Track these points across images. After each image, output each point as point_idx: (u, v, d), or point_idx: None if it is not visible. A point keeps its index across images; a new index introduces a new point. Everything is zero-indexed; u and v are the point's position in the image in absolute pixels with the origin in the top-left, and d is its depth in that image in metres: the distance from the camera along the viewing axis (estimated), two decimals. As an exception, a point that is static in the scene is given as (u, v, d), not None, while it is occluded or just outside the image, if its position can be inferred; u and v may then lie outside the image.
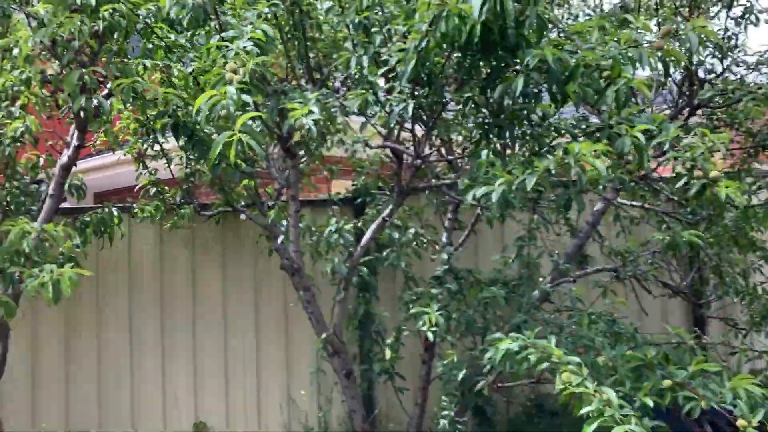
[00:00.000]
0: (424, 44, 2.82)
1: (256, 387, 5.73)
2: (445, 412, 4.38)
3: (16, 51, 3.95)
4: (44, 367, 5.43)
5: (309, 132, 2.79)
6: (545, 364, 2.84)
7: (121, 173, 7.75)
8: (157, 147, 5.09)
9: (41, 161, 4.40)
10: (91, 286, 5.38)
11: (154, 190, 5.28)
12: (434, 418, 5.58)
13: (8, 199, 4.47)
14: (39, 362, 5.41)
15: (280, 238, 4.48)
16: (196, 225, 5.58)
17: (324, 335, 4.29)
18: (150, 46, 4.09)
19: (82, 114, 3.81)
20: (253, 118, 2.98)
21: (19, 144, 4.31)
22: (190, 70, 3.67)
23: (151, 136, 5.01)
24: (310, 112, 2.82)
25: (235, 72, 2.74)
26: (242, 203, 5.30)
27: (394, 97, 3.16)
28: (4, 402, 5.09)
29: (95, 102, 3.31)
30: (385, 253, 5.04)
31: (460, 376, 4.18)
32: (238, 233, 5.77)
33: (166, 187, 5.39)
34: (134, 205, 5.14)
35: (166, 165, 5.25)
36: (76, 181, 4.82)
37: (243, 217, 5.35)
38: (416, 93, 3.17)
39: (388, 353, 4.44)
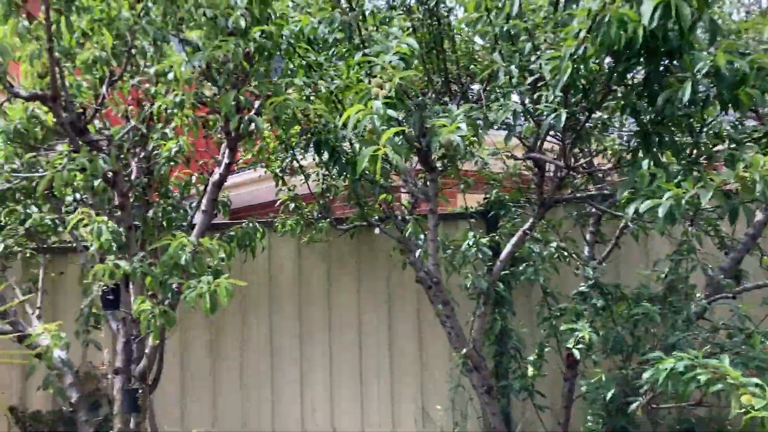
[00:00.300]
0: (580, 51, 2.72)
1: (390, 399, 5.75)
2: (591, 434, 4.19)
3: (170, 75, 4.20)
4: (192, 375, 5.71)
5: (457, 148, 2.75)
6: (718, 386, 2.63)
7: (254, 190, 8.08)
8: (295, 164, 5.25)
9: (193, 179, 4.64)
10: (234, 298, 5.60)
11: (293, 205, 5.44)
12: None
13: (161, 215, 4.75)
14: (187, 370, 5.69)
15: (418, 252, 4.47)
16: (331, 239, 5.70)
17: (464, 350, 4.22)
18: (291, 66, 4.24)
19: (233, 133, 3.99)
20: (396, 133, 2.99)
21: (173, 163, 4.59)
22: (332, 87, 3.75)
23: (289, 153, 5.18)
24: (458, 128, 2.79)
25: (380, 87, 2.75)
26: (376, 217, 5.36)
27: (544, 106, 3.07)
28: (156, 408, 5.38)
29: (248, 120, 3.44)
30: (521, 268, 4.92)
31: (609, 395, 3.98)
32: (372, 247, 5.84)
33: (303, 203, 5.54)
34: (275, 220, 5.31)
35: (303, 181, 5.41)
36: (222, 197, 5.04)
37: (377, 231, 5.41)
38: (567, 102, 3.05)
39: (530, 370, 4.30)
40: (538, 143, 3.70)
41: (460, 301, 4.87)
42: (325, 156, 4.10)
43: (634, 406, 3.66)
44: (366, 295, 5.83)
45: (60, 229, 5.37)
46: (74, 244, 5.13)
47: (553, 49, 2.97)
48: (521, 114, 3.16)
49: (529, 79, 3.18)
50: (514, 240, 4.28)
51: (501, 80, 3.17)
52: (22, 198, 5.02)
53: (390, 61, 3.02)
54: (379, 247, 5.82)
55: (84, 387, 4.95)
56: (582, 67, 2.74)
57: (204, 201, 4.20)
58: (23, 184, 4.85)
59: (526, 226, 4.24)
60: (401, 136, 3.33)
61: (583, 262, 4.54)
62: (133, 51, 3.98)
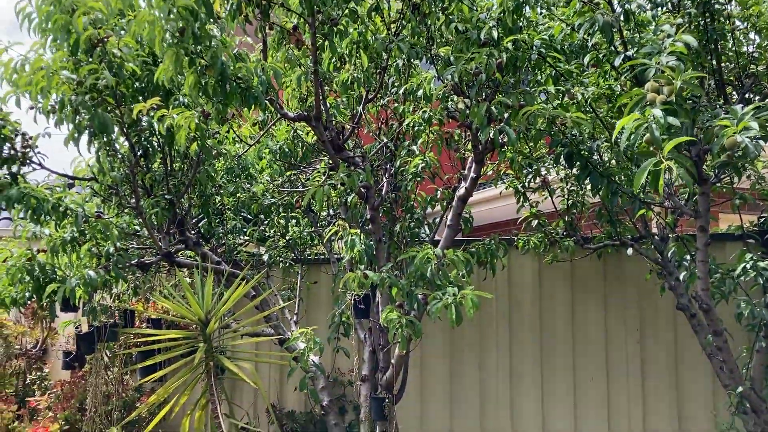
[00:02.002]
0: None
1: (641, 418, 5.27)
2: None
3: (420, 92, 4.29)
4: (430, 385, 5.74)
5: (745, 150, 2.39)
6: None
7: (494, 208, 8.00)
8: (538, 179, 5.08)
9: (438, 194, 4.68)
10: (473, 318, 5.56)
11: (535, 222, 5.26)
12: None
13: (407, 230, 4.85)
14: (427, 380, 5.74)
15: (683, 275, 4.03)
16: (575, 259, 5.42)
17: (740, 389, 3.69)
18: (539, 77, 4.10)
19: (480, 146, 3.95)
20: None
21: (419, 179, 4.67)
22: (588, 94, 3.53)
23: (533, 168, 5.02)
24: (747, 128, 2.42)
25: (657, 92, 2.49)
26: (629, 237, 4.99)
27: None
28: (399, 412, 5.50)
29: (499, 131, 3.37)
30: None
31: None
32: (621, 269, 5.44)
33: (546, 220, 5.34)
34: (518, 237, 5.17)
35: (545, 197, 5.21)
36: (464, 214, 5.03)
37: (630, 251, 5.02)
38: None
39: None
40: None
41: (731, 333, 4.31)
42: (577, 168, 3.88)
43: None
44: (614, 322, 5.43)
45: (315, 241, 5.77)
46: (327, 256, 5.46)
47: None
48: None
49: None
50: (803, 264, 3.67)
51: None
52: (283, 212, 5.48)
53: (667, 62, 2.73)
54: (629, 270, 5.41)
55: (332, 391, 5.20)
56: None
57: (449, 215, 4.20)
58: (286, 199, 5.29)
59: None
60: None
61: None
62: (389, 69, 4.12)
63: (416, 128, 4.39)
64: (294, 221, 5.60)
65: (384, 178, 4.51)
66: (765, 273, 3.75)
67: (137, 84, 4.50)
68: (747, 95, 3.52)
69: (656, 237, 4.62)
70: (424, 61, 4.31)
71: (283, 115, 4.10)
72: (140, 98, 4.63)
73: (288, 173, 5.22)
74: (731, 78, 3.64)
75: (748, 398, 3.73)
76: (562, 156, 3.90)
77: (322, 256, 6.08)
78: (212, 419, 4.66)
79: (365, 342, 4.94)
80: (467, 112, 3.46)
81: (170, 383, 4.49)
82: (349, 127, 4.20)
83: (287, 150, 4.90)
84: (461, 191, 4.13)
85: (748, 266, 3.81)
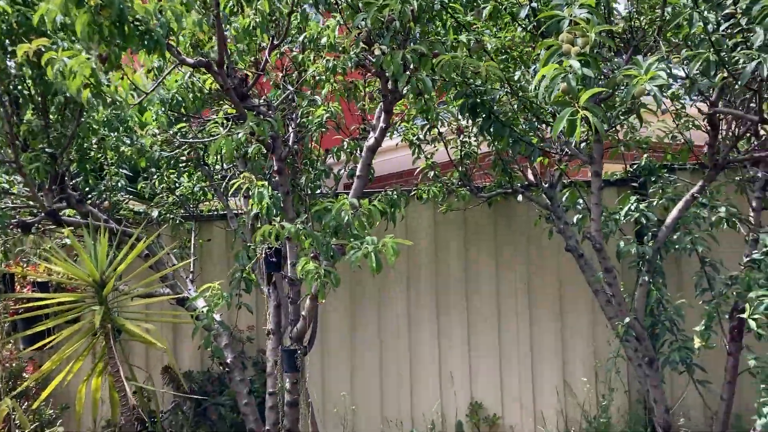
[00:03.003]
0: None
1: (530, 370, 5.64)
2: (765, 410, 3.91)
3: (323, 41, 4.21)
4: (332, 339, 5.80)
5: (655, 98, 2.58)
6: None
7: (387, 160, 8.03)
8: (435, 131, 5.19)
9: (345, 145, 4.65)
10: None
11: (432, 173, 5.39)
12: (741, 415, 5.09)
13: (311, 182, 4.81)
14: (327, 334, 5.78)
15: (576, 218, 4.31)
16: (467, 209, 5.62)
17: (627, 320, 4.05)
18: (441, 29, 4.15)
19: (390, 96, 3.96)
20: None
21: (323, 130, 4.62)
22: (501, 44, 3.63)
23: (431, 119, 5.11)
24: (656, 77, 2.60)
25: (572, 43, 2.61)
26: (519, 185, 5.24)
27: (742, 53, 2.84)
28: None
29: (416, 80, 3.39)
30: (675, 236, 4.66)
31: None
32: (509, 216, 5.71)
33: (440, 171, 5.48)
34: (418, 188, 5.27)
35: (436, 149, 5.34)
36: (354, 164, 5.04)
37: (520, 198, 5.28)
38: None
39: (696, 342, 4.07)
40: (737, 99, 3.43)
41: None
42: (480, 119, 4.01)
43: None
44: (504, 266, 5.72)
45: (209, 196, 5.58)
46: (225, 211, 5.30)
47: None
48: (715, 64, 2.93)
49: (724, 25, 2.95)
50: (680, 205, 4.05)
51: (695, 27, 2.95)
52: (173, 166, 5.23)
53: (579, 14, 2.84)
54: (517, 217, 5.70)
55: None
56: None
57: (359, 166, 4.20)
58: (178, 152, 5.04)
59: (695, 189, 4.00)
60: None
61: (754, 227, 4.23)
62: (294, 15, 4.00)
63: (318, 78, 4.32)
64: (187, 176, 5.37)
65: (290, 128, 4.42)
66: (648, 213, 4.09)
67: (3, 26, 4.09)
68: (637, 47, 3.77)
69: (545, 184, 4.89)
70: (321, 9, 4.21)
71: (181, 61, 3.88)
72: (7, 41, 4.21)
73: (179, 126, 4.97)
74: (630, 28, 3.86)
75: (633, 328, 4.10)
76: (466, 107, 4.01)
77: (216, 212, 5.89)
78: (111, 384, 4.45)
79: (269, 297, 4.88)
80: (382, 59, 3.44)
81: (65, 349, 4.23)
82: (252, 74, 4.05)
83: (180, 99, 4.65)
84: (370, 141, 4.13)
85: (632, 208, 4.14)
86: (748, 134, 3.95)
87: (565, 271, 5.60)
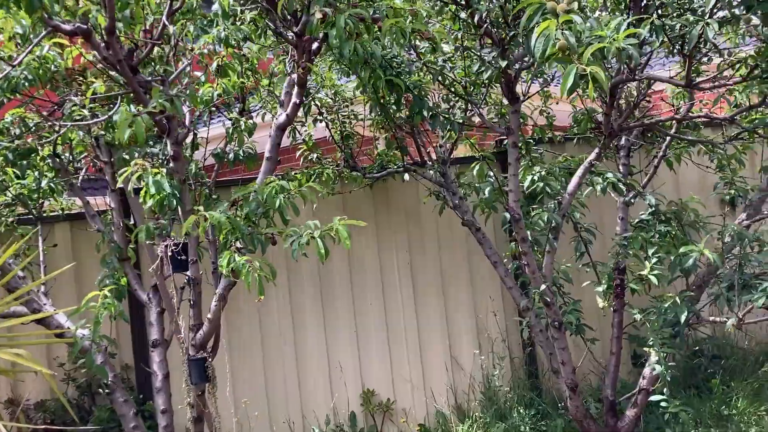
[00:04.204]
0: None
1: (418, 349, 5.63)
2: (655, 357, 4.24)
3: (215, 6, 3.76)
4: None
5: (632, 56, 2.61)
6: None
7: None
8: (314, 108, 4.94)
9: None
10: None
11: (315, 156, 5.13)
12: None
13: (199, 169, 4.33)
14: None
15: (488, 189, 4.34)
16: (347, 192, 5.44)
17: (543, 287, 4.17)
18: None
19: (304, 67, 3.65)
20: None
21: (214, 109, 4.16)
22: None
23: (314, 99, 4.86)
24: (629, 36, 2.59)
25: (557, 1, 2.56)
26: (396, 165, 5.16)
27: (684, 19, 3.01)
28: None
29: (364, 48, 3.11)
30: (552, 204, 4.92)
31: (683, 317, 4.08)
32: (388, 196, 5.63)
33: (322, 152, 5.25)
34: (312, 170, 4.96)
35: (314, 129, 5.12)
36: (249, 148, 4.65)
37: (406, 177, 5.22)
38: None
39: (600, 302, 4.33)
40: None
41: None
42: (394, 96, 3.86)
43: (730, 322, 3.77)
44: (385, 246, 5.63)
45: (61, 193, 4.76)
46: (84, 210, 4.54)
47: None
48: (659, 29, 3.06)
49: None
50: (580, 172, 4.26)
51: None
52: (19, 158, 4.37)
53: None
54: (396, 197, 5.64)
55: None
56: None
57: (267, 146, 3.82)
58: (29, 143, 4.23)
59: (592, 157, 4.23)
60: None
61: (639, 191, 4.60)
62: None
63: (208, 49, 3.87)
64: (33, 170, 4.51)
65: (185, 107, 3.89)
66: (550, 183, 4.25)
67: None
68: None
69: (433, 162, 4.84)
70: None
71: (54, 27, 3.21)
72: None
73: (13, 112, 4.19)
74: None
75: (545, 294, 4.24)
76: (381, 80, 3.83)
77: (62, 212, 5.05)
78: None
79: (150, 303, 4.33)
80: (314, 25, 3.13)
81: None
82: (143, 43, 3.47)
83: (31, 78, 3.87)
84: (281, 119, 3.78)
85: (536, 178, 4.28)
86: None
87: (444, 248, 5.67)
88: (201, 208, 3.33)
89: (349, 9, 3.11)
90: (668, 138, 4.70)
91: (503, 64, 3.62)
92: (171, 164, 3.73)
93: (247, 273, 3.17)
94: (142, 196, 3.53)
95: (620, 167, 4.94)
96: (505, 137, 5.41)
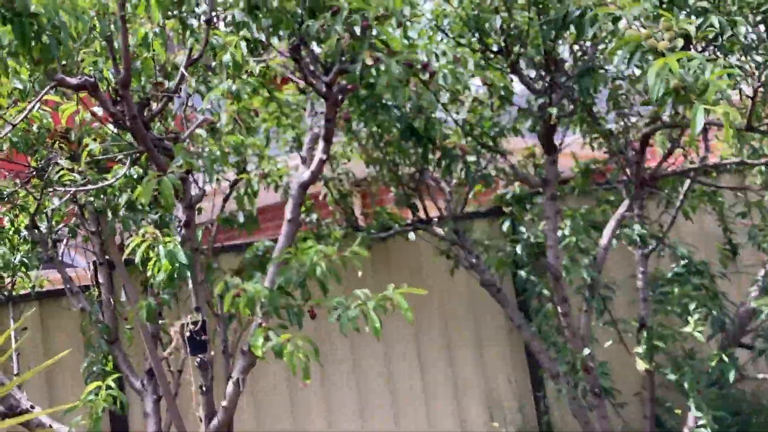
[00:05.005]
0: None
1: (425, 415, 5.21)
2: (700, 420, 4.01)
3: (226, 57, 3.38)
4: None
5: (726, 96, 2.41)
6: None
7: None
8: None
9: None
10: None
11: (315, 216, 4.77)
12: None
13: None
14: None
15: (518, 247, 4.06)
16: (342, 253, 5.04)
17: (587, 351, 3.86)
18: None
19: (333, 116, 3.32)
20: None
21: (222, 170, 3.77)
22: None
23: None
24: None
25: (654, 38, 2.33)
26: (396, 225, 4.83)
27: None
28: None
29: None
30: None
31: (731, 375, 3.86)
32: (388, 256, 5.28)
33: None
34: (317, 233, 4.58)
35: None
36: (249, 208, 4.27)
37: (412, 236, 4.89)
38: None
39: (640, 365, 4.05)
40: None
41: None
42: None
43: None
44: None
45: (34, 268, 4.20)
46: (67, 286, 4.00)
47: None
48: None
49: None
50: (612, 224, 4.04)
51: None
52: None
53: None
54: (397, 257, 5.29)
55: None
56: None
57: (288, 208, 3.43)
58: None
59: (622, 209, 4.04)
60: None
61: (666, 243, 4.41)
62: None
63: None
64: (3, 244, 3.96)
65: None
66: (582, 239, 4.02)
67: None
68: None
69: (446, 218, 4.54)
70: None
71: (59, 81, 2.80)
72: None
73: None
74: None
75: (586, 360, 3.93)
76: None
77: (41, 289, 4.46)
78: None
79: (146, 392, 3.83)
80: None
81: None
82: (157, 98, 3.07)
83: (15, 140, 3.41)
84: (305, 177, 3.40)
85: (566, 233, 4.04)
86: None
87: (451, 311, 5.34)
88: (237, 280, 2.90)
89: (398, 54, 2.82)
90: (686, 185, 4.54)
91: (554, 111, 3.40)
92: (183, 231, 3.30)
93: (290, 354, 2.75)
94: (150, 268, 3.09)
95: (635, 218, 4.77)
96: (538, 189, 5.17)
